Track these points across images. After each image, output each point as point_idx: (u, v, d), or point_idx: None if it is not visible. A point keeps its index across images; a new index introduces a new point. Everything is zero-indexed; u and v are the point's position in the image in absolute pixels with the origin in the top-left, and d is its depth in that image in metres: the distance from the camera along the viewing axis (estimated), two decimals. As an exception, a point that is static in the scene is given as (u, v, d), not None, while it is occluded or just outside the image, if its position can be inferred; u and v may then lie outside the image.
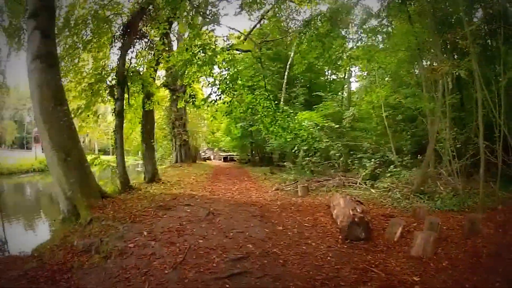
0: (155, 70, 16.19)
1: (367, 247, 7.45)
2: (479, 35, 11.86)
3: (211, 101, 13.93)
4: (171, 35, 20.57)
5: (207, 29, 14.70)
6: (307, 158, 18.52)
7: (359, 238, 7.81)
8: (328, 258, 6.89)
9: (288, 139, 15.80)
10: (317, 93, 24.14)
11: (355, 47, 16.02)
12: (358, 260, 6.74)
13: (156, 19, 14.55)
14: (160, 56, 15.26)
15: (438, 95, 12.40)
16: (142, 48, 15.53)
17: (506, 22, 11.08)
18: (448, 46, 13.54)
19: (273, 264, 6.47)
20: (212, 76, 13.36)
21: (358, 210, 8.34)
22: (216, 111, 15.19)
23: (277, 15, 23.17)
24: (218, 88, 13.35)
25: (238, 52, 18.68)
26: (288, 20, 25.86)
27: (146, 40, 15.56)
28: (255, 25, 23.51)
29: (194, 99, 15.29)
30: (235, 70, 13.54)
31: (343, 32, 18.01)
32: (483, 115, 10.32)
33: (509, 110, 11.50)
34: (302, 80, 28.60)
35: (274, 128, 14.53)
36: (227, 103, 13.62)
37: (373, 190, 13.51)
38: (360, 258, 6.82)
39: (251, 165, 31.27)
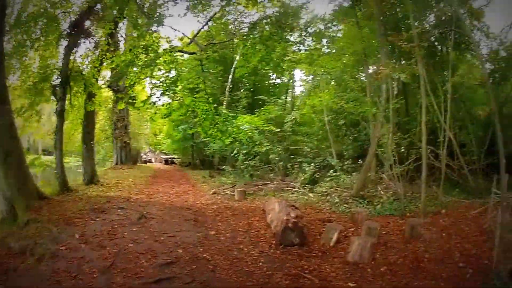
0: (98, 71, 15.70)
1: (301, 253, 7.35)
2: (426, 39, 11.84)
3: (150, 103, 13.73)
4: (119, 35, 19.88)
5: (150, 30, 14.24)
6: (247, 162, 18.35)
7: (293, 243, 7.70)
8: (260, 263, 6.79)
9: (227, 143, 15.81)
10: (259, 96, 24.06)
11: (297, 50, 15.93)
12: (291, 266, 6.64)
13: (103, 18, 14.29)
14: (104, 56, 14.85)
15: (381, 100, 12.31)
16: (88, 48, 15.18)
17: (457, 26, 11.09)
18: (396, 52, 13.55)
19: (202, 269, 6.42)
20: (154, 77, 13.42)
21: (292, 215, 8.22)
22: (155, 113, 15.05)
23: (224, 18, 22.77)
24: (160, 90, 13.47)
25: (182, 54, 18.15)
26: (236, 23, 25.49)
27: (92, 39, 15.17)
28: (201, 28, 22.99)
29: (134, 101, 15.11)
30: (176, 72, 13.68)
31: (288, 36, 17.81)
32: (427, 119, 10.32)
33: (455, 115, 11.59)
34: (247, 84, 28.27)
35: (213, 131, 14.58)
36: (166, 105, 13.72)
37: (311, 195, 13.39)
38: (293, 264, 6.73)
39: (191, 168, 30.88)
